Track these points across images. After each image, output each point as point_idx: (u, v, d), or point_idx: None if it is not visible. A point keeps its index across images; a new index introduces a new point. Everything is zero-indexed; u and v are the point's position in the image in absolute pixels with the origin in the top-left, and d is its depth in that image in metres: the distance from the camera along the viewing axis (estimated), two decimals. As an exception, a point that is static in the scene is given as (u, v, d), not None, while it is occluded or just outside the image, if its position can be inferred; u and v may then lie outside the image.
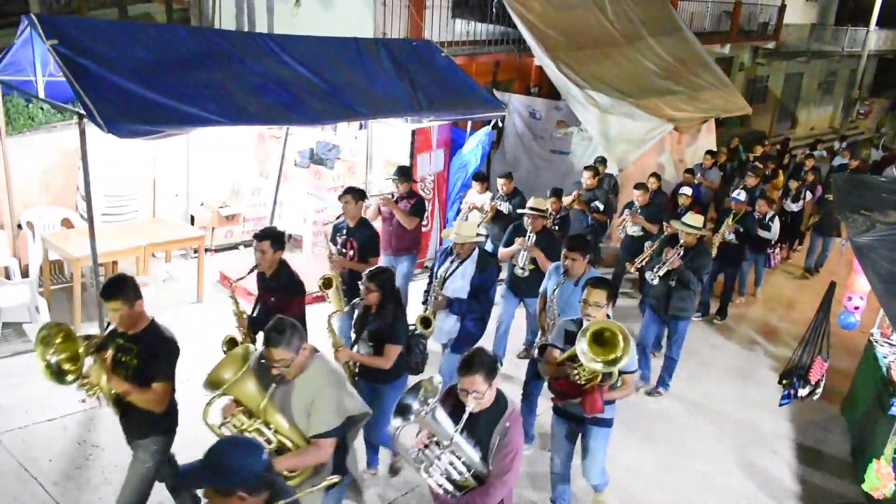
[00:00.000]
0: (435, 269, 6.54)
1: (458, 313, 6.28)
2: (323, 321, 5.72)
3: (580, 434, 5.38)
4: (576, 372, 4.65)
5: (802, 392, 7.29)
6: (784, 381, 7.51)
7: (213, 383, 4.01)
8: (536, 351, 5.76)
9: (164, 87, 6.75)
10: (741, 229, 9.59)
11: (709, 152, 13.11)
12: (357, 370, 5.48)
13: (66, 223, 8.59)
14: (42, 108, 9.14)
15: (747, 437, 7.26)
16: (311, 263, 8.98)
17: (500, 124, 10.77)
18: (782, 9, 23.44)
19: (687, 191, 10.43)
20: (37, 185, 8.65)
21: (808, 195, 12.79)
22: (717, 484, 6.46)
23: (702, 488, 6.37)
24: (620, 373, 4.79)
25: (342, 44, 8.84)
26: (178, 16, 11.02)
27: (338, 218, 7.11)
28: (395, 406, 3.77)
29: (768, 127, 25.99)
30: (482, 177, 9.67)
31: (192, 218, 10.00)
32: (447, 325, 6.39)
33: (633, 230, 9.67)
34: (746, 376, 8.57)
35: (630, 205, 9.83)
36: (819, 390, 7.32)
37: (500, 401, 3.90)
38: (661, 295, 7.45)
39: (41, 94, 7.76)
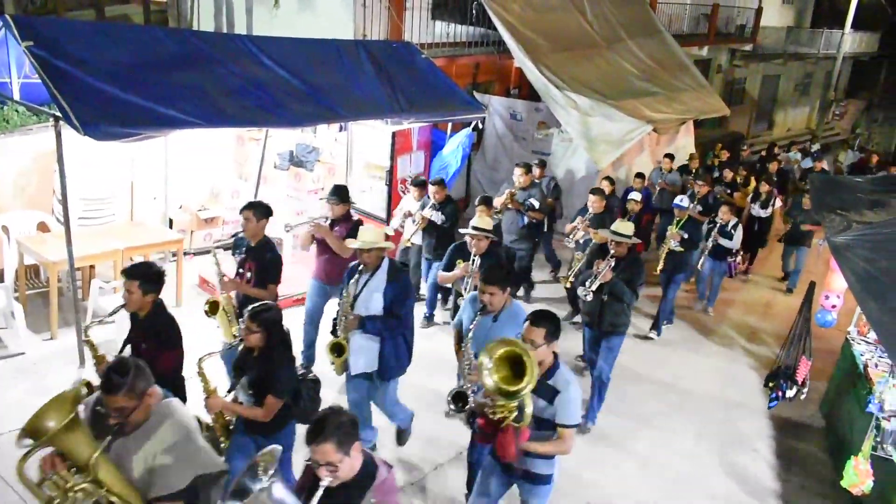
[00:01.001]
0: (343, 289, 5.78)
1: (375, 332, 5.59)
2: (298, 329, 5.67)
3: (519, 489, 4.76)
4: (491, 406, 4.10)
5: (790, 393, 7.37)
6: (770, 384, 7.57)
7: (32, 432, 3.24)
8: (450, 400, 5.02)
9: (142, 89, 6.68)
10: (685, 236, 9.24)
11: (667, 156, 12.77)
12: (232, 420, 4.82)
13: (42, 227, 8.48)
14: (17, 111, 9.02)
15: (727, 436, 7.30)
16: (288, 268, 8.90)
17: (480, 126, 10.76)
18: (759, 11, 23.68)
19: (636, 196, 10.15)
20: (12, 189, 8.54)
21: (778, 202, 12.33)
22: (698, 483, 6.50)
23: (682, 487, 6.40)
24: (557, 425, 4.31)
25: (322, 45, 8.81)
26: (155, 17, 10.93)
27: (239, 233, 6.43)
28: (230, 490, 3.00)
29: (746, 128, 26.22)
30: (420, 182, 8.94)
31: (171, 221, 9.91)
32: (365, 350, 5.69)
33: (581, 237, 9.21)
34: (726, 375, 8.63)
35: (583, 211, 9.33)
36: (805, 389, 7.41)
37: (367, 470, 3.30)
38: (594, 310, 6.92)
39: (16, 97, 7.66)
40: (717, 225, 9.90)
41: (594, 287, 6.70)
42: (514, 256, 9.51)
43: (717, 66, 23.60)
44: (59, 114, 6.08)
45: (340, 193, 7.17)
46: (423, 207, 8.55)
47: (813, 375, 7.86)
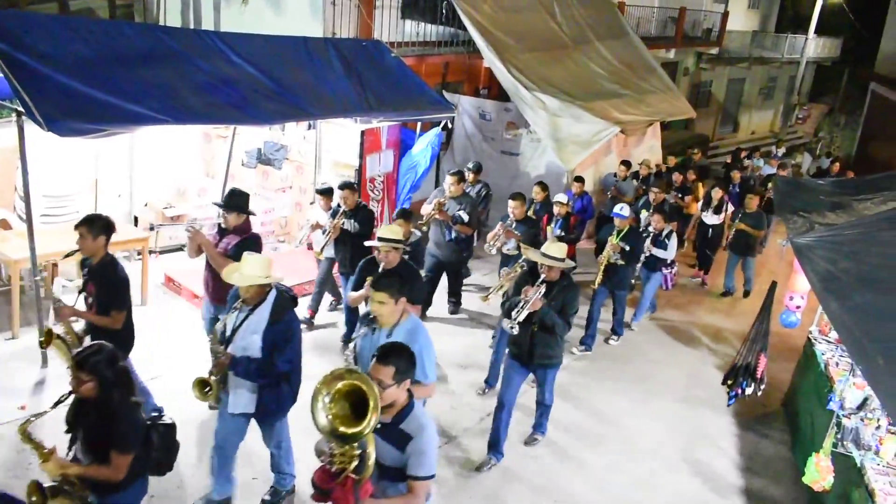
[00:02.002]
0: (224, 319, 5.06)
1: (245, 375, 4.86)
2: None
3: None
4: (328, 455, 3.53)
5: (749, 390, 7.47)
6: (729, 382, 7.66)
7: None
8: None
9: (107, 85, 6.58)
10: (627, 248, 8.61)
11: (623, 163, 12.37)
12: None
13: (4, 224, 8.32)
14: (-22, 105, 8.86)
15: (693, 435, 7.39)
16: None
17: (449, 125, 10.77)
18: (725, 16, 24.02)
19: (562, 198, 9.67)
20: (-28, 185, 8.38)
21: (730, 208, 11.65)
22: (664, 481, 6.56)
23: (648, 486, 6.47)
24: (408, 476, 3.75)
25: (291, 43, 8.75)
26: (121, 11, 10.77)
27: (76, 250, 5.61)
28: None
29: (711, 131, 26.56)
30: (325, 190, 8.32)
31: (136, 219, 9.78)
32: (244, 390, 4.99)
33: (508, 248, 8.70)
34: (691, 374, 8.73)
35: (504, 217, 8.78)
36: (763, 385, 7.53)
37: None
38: (522, 342, 6.19)
39: (-23, 91, 7.50)
40: (651, 234, 9.33)
41: (521, 317, 5.98)
42: (456, 272, 9.23)
43: (683, 68, 23.88)
44: (21, 109, 5.97)
45: (235, 201, 6.31)
46: (333, 215, 7.91)
47: (776, 374, 7.99)
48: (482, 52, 12.23)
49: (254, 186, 10.48)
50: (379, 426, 3.54)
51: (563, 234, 9.48)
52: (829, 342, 7.64)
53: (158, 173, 9.99)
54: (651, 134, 14.38)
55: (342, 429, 3.37)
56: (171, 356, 7.30)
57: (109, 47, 7.06)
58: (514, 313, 6.02)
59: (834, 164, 17.05)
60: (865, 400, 6.17)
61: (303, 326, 7.96)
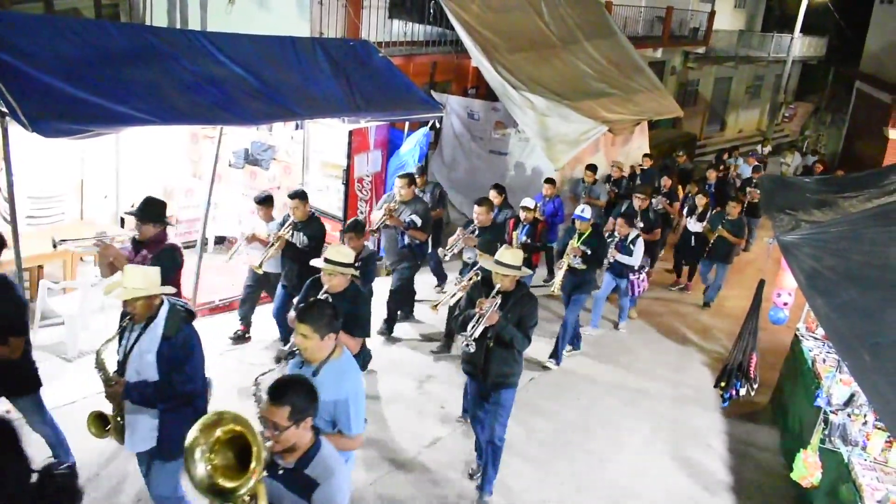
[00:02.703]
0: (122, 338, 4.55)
1: (141, 402, 4.37)
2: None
3: None
4: None
5: (742, 391, 7.52)
6: (722, 384, 7.70)
7: None
8: None
9: (93, 85, 6.55)
10: (588, 252, 8.26)
11: (589, 167, 11.99)
12: None
13: (-12, 226, 8.25)
14: (-39, 106, 8.77)
15: (681, 432, 7.42)
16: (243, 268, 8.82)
17: (437, 125, 10.76)
18: (712, 15, 24.10)
19: (528, 203, 9.31)
20: (-44, 186, 8.30)
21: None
22: (653, 478, 6.60)
23: (637, 483, 6.49)
24: None
25: (278, 43, 8.73)
26: (107, 11, 10.68)
27: None
28: None
29: (699, 130, 26.65)
30: (265, 200, 7.79)
31: (122, 220, 9.72)
32: (141, 423, 4.47)
33: (469, 256, 8.15)
34: (680, 372, 8.78)
35: (467, 224, 8.27)
36: (756, 384, 7.57)
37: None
38: (477, 359, 5.63)
39: (-40, 92, 7.43)
40: (615, 239, 8.98)
41: (477, 333, 5.44)
42: (401, 290, 8.67)
43: (671, 68, 23.95)
44: (5, 109, 5.91)
45: (151, 210, 5.86)
46: (282, 226, 7.43)
47: (763, 371, 8.04)
48: (470, 51, 12.23)
49: (241, 187, 10.45)
50: (281, 472, 3.29)
51: (528, 241, 9.18)
52: (816, 339, 7.70)
53: (145, 174, 9.92)
54: (639, 133, 14.42)
55: (222, 482, 2.93)
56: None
57: (95, 47, 7.02)
58: (468, 328, 5.49)
59: (816, 164, 16.93)
60: (852, 396, 6.21)
61: (234, 344, 7.84)
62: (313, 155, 9.97)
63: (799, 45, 29.46)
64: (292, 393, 3.27)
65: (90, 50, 6.95)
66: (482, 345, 5.54)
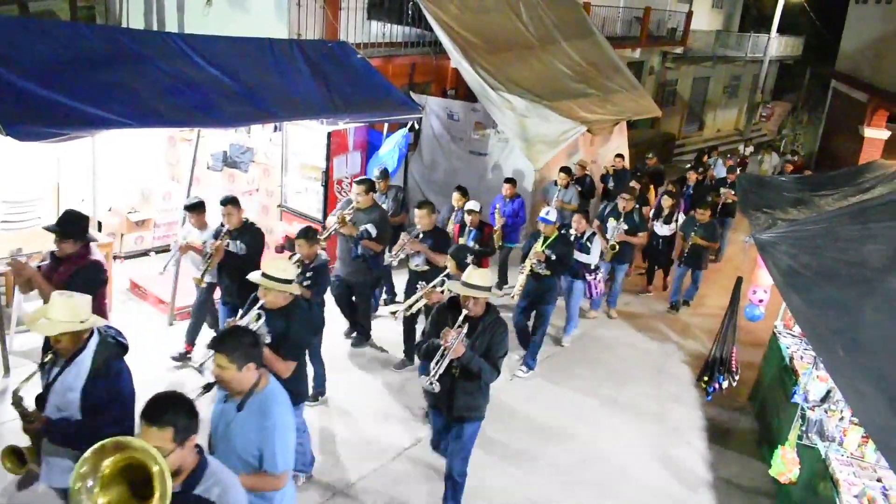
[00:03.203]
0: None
1: (62, 442, 4.05)
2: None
3: None
4: None
5: (725, 384, 7.59)
6: (705, 379, 7.76)
7: None
8: None
9: (68, 88, 6.50)
10: (553, 257, 7.82)
11: (563, 169, 11.45)
12: None
13: (-37, 231, 8.16)
14: (-66, 110, 8.66)
15: (662, 430, 7.47)
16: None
17: (416, 126, 10.76)
18: (689, 15, 24.26)
19: (474, 205, 8.65)
20: (-71, 191, 8.20)
21: (682, 217, 11.03)
22: (634, 476, 6.63)
23: (619, 481, 6.52)
24: None
25: (256, 44, 8.70)
26: (83, 13, 10.59)
27: None
28: None
29: (678, 129, 26.83)
30: (196, 206, 7.25)
31: (100, 224, 9.64)
32: (59, 460, 4.15)
33: (416, 263, 7.76)
34: (661, 370, 8.82)
35: (411, 228, 7.88)
36: (737, 375, 7.65)
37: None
38: (441, 391, 5.08)
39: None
40: (573, 237, 8.65)
41: (443, 367, 4.96)
42: (365, 296, 8.22)
43: (649, 68, 24.10)
44: (-22, 113, 5.86)
45: (70, 227, 5.50)
46: (216, 236, 6.92)
47: (743, 369, 8.10)
48: (449, 52, 12.23)
49: (220, 190, 10.39)
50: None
51: (476, 245, 8.49)
52: (793, 336, 7.78)
53: (122, 177, 9.87)
54: (618, 133, 14.48)
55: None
56: (136, 363, 7.19)
57: (70, 50, 6.98)
58: (432, 366, 5.00)
59: (787, 164, 16.55)
60: (829, 392, 6.28)
61: (177, 364, 7.42)
62: (292, 157, 9.94)
63: (776, 45, 29.72)
64: (173, 413, 3.02)
65: (65, 52, 6.91)
66: (446, 375, 5.05)
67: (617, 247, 9.69)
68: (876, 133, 17.48)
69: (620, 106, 13.92)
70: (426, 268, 7.58)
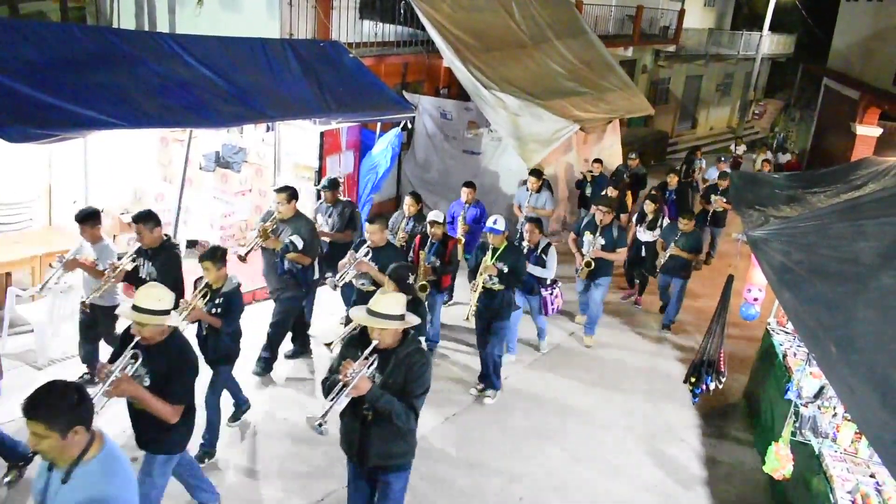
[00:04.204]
0: None
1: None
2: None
3: None
4: None
5: (712, 385, 7.57)
6: (692, 380, 7.75)
7: None
8: None
9: (59, 89, 6.48)
10: (505, 269, 7.12)
11: (532, 172, 10.70)
12: None
13: (-46, 233, 8.13)
14: (-75, 112, 8.62)
15: (655, 428, 7.48)
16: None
17: (409, 125, 10.76)
18: (682, 13, 24.31)
19: (437, 216, 7.82)
20: (-80, 193, 8.17)
21: (667, 222, 10.19)
22: (628, 474, 6.63)
23: (612, 479, 6.53)
24: None
25: (247, 45, 8.68)
26: (73, 14, 10.57)
27: None
28: None
29: (670, 127, 26.87)
30: (88, 216, 6.43)
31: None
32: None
33: (363, 283, 6.99)
34: (653, 368, 8.82)
35: (358, 244, 7.07)
36: (724, 377, 7.64)
37: None
38: (351, 435, 4.42)
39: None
40: (526, 249, 7.93)
41: (338, 405, 4.13)
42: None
43: (642, 66, 24.12)
44: (-31, 115, 5.84)
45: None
46: (134, 257, 6.29)
47: (737, 366, 8.12)
48: (441, 51, 12.24)
49: (212, 190, 10.38)
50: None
51: (437, 261, 7.75)
52: (786, 333, 7.79)
53: (114, 178, 9.83)
54: (611, 131, 14.51)
55: None
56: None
57: (61, 51, 6.96)
58: (325, 403, 4.15)
59: (764, 163, 15.88)
60: (822, 388, 6.30)
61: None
62: (285, 157, 9.92)
63: (768, 43, 29.80)
64: (45, 407, 2.94)
65: (56, 54, 6.89)
66: (356, 417, 4.32)
67: (592, 264, 8.66)
68: (868, 130, 17.53)
69: (613, 104, 13.96)
70: (372, 288, 6.77)
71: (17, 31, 6.95)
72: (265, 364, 7.50)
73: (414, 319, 4.41)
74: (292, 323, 7.68)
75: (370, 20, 13.05)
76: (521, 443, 6.93)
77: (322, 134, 9.12)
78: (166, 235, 6.42)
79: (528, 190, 10.63)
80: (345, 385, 4.06)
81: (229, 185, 10.32)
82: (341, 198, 8.45)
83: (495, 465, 6.53)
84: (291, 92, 8.57)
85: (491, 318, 7.32)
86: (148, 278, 6.05)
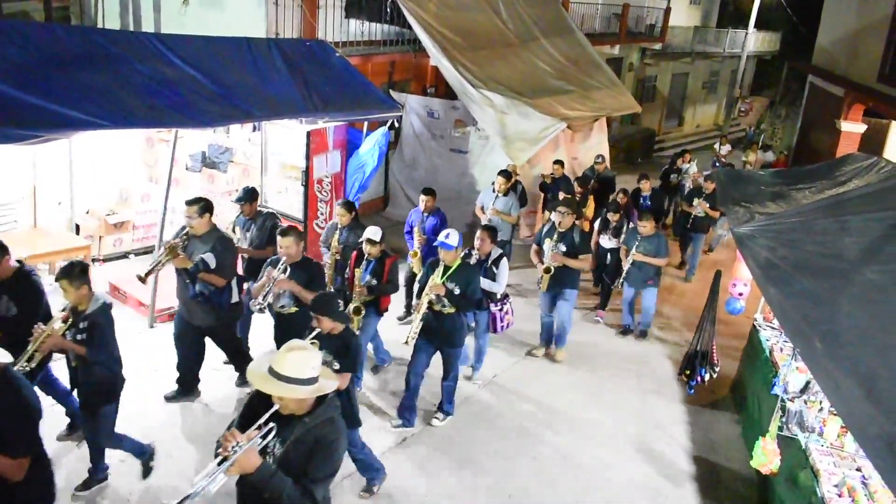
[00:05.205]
0: None
1: None
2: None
3: None
4: None
5: (707, 376, 7.63)
6: (687, 372, 7.81)
7: None
8: None
9: (42, 90, 6.42)
10: (457, 290, 6.36)
11: (502, 173, 10.04)
12: None
13: (-62, 235, 8.05)
14: None
15: (644, 424, 7.51)
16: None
17: (396, 125, 10.73)
18: (668, 11, 24.37)
19: (374, 234, 6.83)
20: None
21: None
22: (617, 469, 6.67)
23: (602, 475, 6.56)
24: None
25: (233, 44, 8.64)
26: (57, 14, 10.47)
27: None
28: None
29: (657, 125, 26.96)
30: None
31: (77, 227, 9.57)
32: None
33: (283, 305, 6.34)
34: (642, 365, 8.85)
35: (275, 261, 6.28)
36: (717, 367, 7.70)
37: None
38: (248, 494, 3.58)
39: None
40: (475, 260, 7.27)
41: (213, 484, 3.19)
42: (226, 338, 6.82)
43: (628, 64, 24.17)
44: (-49, 116, 5.78)
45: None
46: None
47: (723, 361, 8.16)
48: (428, 50, 12.23)
49: (199, 191, 10.33)
50: None
51: (374, 282, 6.92)
52: (773, 329, 7.84)
53: (100, 179, 9.80)
54: (597, 129, 14.54)
55: None
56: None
57: (45, 51, 6.89)
58: (199, 479, 3.18)
59: (745, 164, 15.78)
60: (808, 383, 6.33)
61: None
62: (271, 157, 9.90)
63: (753, 41, 29.97)
64: None
65: (40, 54, 6.82)
66: (251, 496, 3.51)
67: (552, 269, 8.05)
68: (852, 127, 17.59)
69: (600, 102, 14.00)
70: (295, 309, 6.26)
71: (0, 31, 6.89)
72: (241, 377, 7.18)
73: (330, 384, 3.59)
74: (240, 342, 7.14)
75: (356, 19, 13.04)
76: (509, 439, 6.94)
77: (309, 133, 9.09)
78: (18, 262, 5.62)
79: (494, 191, 9.95)
80: (224, 459, 3.21)
81: (216, 185, 10.28)
82: (261, 209, 7.78)
83: (483, 463, 6.53)
84: (278, 91, 8.53)
85: (440, 344, 6.64)
86: (8, 314, 5.32)
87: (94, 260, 8.84)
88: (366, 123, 10.27)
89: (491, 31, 13.75)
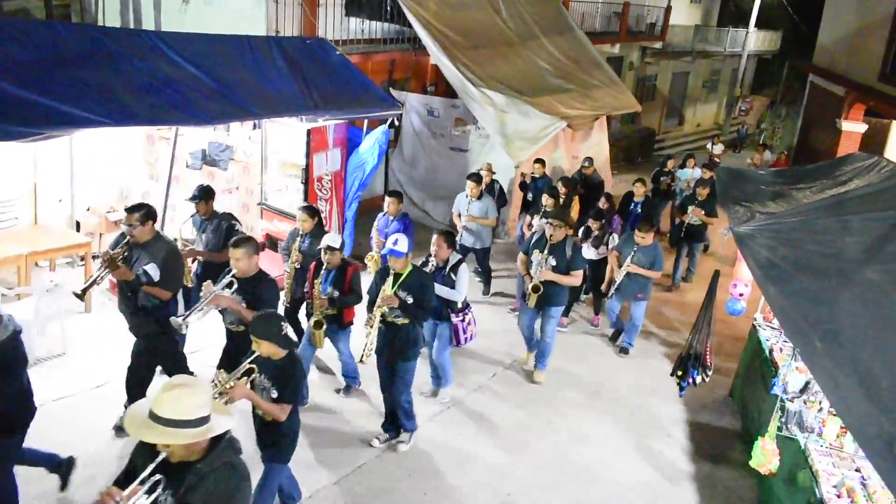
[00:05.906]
0: None
1: None
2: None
3: None
4: None
5: (698, 379, 7.61)
6: (679, 373, 7.79)
7: None
8: None
9: (43, 87, 6.42)
10: (409, 299, 5.97)
11: (471, 176, 9.54)
12: None
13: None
14: None
15: (643, 423, 7.51)
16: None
17: (396, 123, 10.74)
18: (668, 10, 24.38)
19: (333, 240, 6.51)
20: None
21: (615, 239, 9.21)
22: (615, 469, 6.66)
23: (600, 474, 6.56)
24: None
25: (234, 42, 8.63)
26: (58, 12, 10.47)
27: None
28: None
29: (657, 124, 26.97)
30: None
31: (78, 224, 9.57)
32: None
33: (229, 321, 5.74)
34: (641, 364, 8.85)
35: (225, 274, 5.58)
36: (710, 371, 7.68)
37: None
38: None
39: None
40: (433, 268, 6.76)
41: None
42: (170, 354, 6.18)
43: (629, 63, 24.17)
44: (-48, 113, 5.78)
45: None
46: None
47: (724, 362, 8.16)
48: (429, 49, 12.24)
49: (200, 188, 10.33)
50: None
51: (335, 292, 6.54)
52: (773, 329, 7.83)
53: (100, 177, 9.80)
54: (598, 128, 14.54)
55: None
56: (115, 363, 7.15)
57: (46, 49, 6.89)
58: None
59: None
60: (807, 383, 6.33)
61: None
62: (272, 155, 9.90)
63: (754, 40, 29.96)
64: None
65: (41, 52, 6.82)
66: None
67: (541, 288, 7.55)
68: (853, 126, 17.60)
69: (600, 101, 14.01)
70: (243, 328, 5.48)
71: (1, 29, 6.89)
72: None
73: (223, 422, 3.10)
74: (183, 359, 6.50)
75: (356, 17, 13.04)
76: (509, 437, 6.94)
77: (309, 131, 9.09)
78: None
79: (467, 196, 9.50)
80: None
81: (216, 183, 10.24)
82: (217, 210, 7.40)
83: (482, 461, 6.53)
84: (278, 89, 8.53)
85: (393, 357, 6.21)
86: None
87: (94, 257, 8.82)
88: (366, 122, 10.27)
89: (491, 30, 13.75)
